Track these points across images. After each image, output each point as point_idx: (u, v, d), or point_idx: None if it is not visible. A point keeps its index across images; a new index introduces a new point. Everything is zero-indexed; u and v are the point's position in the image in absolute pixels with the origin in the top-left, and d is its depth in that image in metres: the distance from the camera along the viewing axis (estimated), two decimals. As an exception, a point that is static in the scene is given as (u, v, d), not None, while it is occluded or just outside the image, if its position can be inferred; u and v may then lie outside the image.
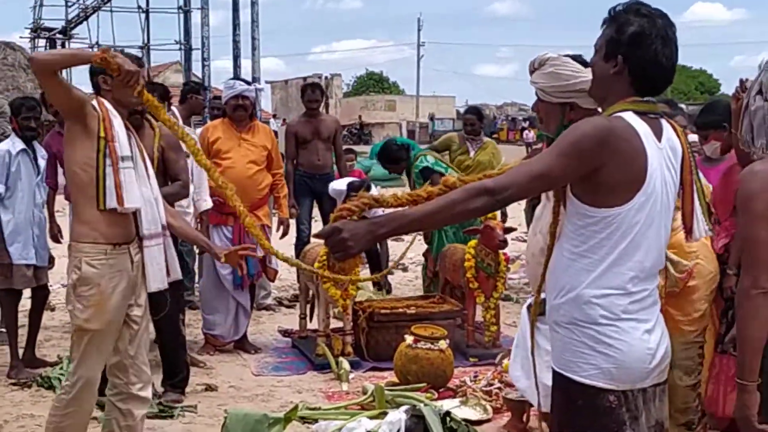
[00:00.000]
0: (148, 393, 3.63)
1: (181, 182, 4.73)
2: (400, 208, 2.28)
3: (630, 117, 2.16)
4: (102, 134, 3.33)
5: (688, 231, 2.30)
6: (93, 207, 3.36)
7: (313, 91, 7.45)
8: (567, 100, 2.82)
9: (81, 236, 3.40)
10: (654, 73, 2.20)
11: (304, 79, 25.55)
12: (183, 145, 5.37)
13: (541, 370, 2.90)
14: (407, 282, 8.66)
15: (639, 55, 2.18)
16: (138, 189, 3.43)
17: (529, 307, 3.05)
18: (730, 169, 3.85)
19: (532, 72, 2.89)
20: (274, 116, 31.51)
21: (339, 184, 6.49)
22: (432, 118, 43.91)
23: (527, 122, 39.38)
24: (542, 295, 2.91)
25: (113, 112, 3.40)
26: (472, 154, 7.38)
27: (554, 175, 2.12)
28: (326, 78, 37.40)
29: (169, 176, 4.66)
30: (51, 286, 6.10)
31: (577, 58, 2.85)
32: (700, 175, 2.33)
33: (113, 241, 3.39)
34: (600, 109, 2.34)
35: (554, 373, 2.27)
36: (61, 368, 5.14)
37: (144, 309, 3.57)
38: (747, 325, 2.23)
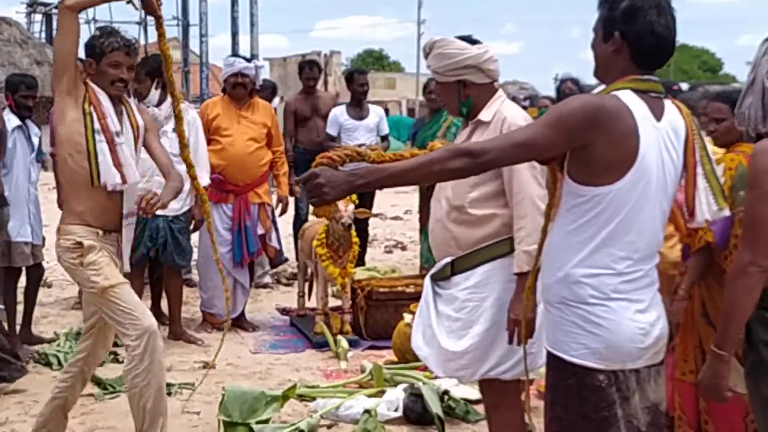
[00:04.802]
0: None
1: None
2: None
3: (626, 96, 2.14)
4: (89, 110, 3.39)
5: (690, 214, 2.28)
6: (83, 192, 3.44)
7: (311, 69, 7.43)
8: (459, 77, 2.99)
9: (72, 220, 3.48)
10: (652, 44, 2.17)
11: (303, 56, 25.39)
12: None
13: (441, 334, 3.03)
14: (406, 261, 8.66)
15: (635, 29, 2.16)
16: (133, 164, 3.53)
17: (432, 276, 3.10)
18: None
19: (426, 57, 3.07)
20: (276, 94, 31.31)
21: None
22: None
23: (527, 101, 39.20)
24: (444, 261, 3.02)
25: (99, 91, 3.47)
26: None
27: (536, 145, 2.11)
28: (325, 55, 37.08)
29: None
30: (48, 263, 6.09)
31: (466, 38, 3.03)
32: (712, 156, 2.28)
33: (104, 228, 3.50)
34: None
35: (547, 353, 2.27)
36: (58, 345, 5.13)
37: None
38: (738, 300, 2.24)
